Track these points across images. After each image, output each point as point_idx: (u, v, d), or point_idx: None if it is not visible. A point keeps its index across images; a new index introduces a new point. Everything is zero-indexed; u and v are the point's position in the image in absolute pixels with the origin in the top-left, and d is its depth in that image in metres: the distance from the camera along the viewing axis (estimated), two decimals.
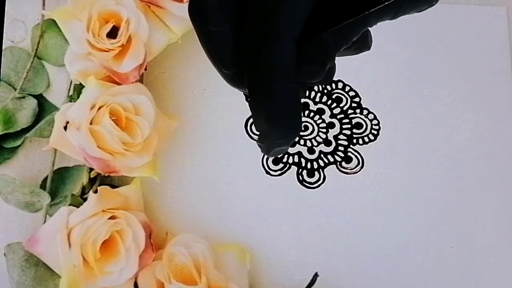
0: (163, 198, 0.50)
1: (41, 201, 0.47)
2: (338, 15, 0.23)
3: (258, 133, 0.26)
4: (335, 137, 0.52)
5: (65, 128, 0.45)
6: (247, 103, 0.24)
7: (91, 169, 0.48)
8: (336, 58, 0.27)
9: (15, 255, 0.46)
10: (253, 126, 0.52)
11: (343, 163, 0.52)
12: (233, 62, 0.25)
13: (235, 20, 0.24)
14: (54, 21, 0.48)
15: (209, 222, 0.50)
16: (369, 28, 0.27)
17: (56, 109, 0.49)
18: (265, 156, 0.51)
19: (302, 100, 0.53)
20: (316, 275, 0.50)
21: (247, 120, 0.52)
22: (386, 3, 0.23)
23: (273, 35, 0.23)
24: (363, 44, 0.27)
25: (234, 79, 0.26)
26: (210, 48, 0.25)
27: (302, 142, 0.52)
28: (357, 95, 0.53)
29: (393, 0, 0.23)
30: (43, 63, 0.51)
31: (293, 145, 0.52)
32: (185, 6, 0.46)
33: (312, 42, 0.24)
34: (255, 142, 0.51)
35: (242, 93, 0.26)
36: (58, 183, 0.49)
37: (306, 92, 0.27)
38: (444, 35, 0.55)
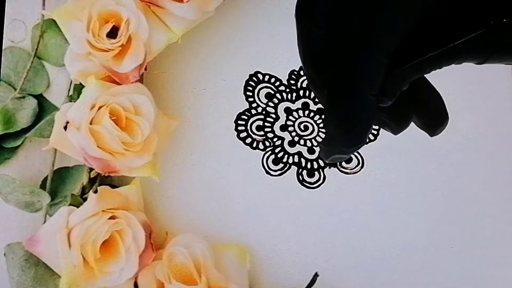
0: (163, 198, 0.50)
1: (41, 201, 0.47)
2: (428, 43, 0.23)
3: (323, 135, 0.26)
4: None
5: (65, 128, 0.45)
6: (321, 105, 0.25)
7: (91, 169, 0.48)
8: None
9: (15, 255, 0.46)
10: (253, 125, 0.52)
11: (343, 163, 0.52)
12: (321, 65, 0.25)
13: (330, 24, 0.24)
14: (54, 21, 0.48)
15: (209, 222, 0.50)
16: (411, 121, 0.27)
17: (56, 109, 0.49)
18: (265, 156, 0.51)
19: (302, 100, 0.53)
20: (316, 275, 0.50)
21: (247, 120, 0.52)
22: (472, 35, 0.22)
23: (368, 44, 0.23)
24: (396, 124, 0.27)
25: (317, 82, 0.26)
26: (305, 47, 0.25)
27: (302, 142, 0.52)
28: None
29: (481, 37, 0.22)
30: (43, 63, 0.51)
31: (293, 145, 0.52)
32: (185, 6, 0.46)
33: (391, 74, 0.23)
34: (256, 142, 0.51)
35: (315, 96, 0.27)
36: (58, 183, 0.49)
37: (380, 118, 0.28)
38: None
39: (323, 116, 0.53)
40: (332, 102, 0.24)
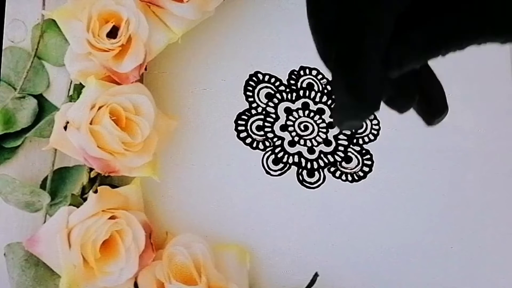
0: (163, 198, 0.50)
1: (41, 201, 0.47)
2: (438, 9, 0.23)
3: (334, 103, 0.25)
4: (335, 137, 0.52)
5: (65, 128, 0.45)
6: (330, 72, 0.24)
7: (91, 169, 0.48)
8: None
9: (15, 255, 0.46)
10: (253, 125, 0.52)
11: (343, 163, 0.52)
12: (332, 33, 0.24)
13: None
14: (54, 21, 0.48)
15: (209, 222, 0.50)
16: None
17: (56, 109, 0.49)
18: (265, 156, 0.51)
19: (302, 100, 0.53)
20: (316, 275, 0.50)
21: (247, 120, 0.52)
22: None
23: (376, 3, 0.22)
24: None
25: (328, 53, 0.25)
26: (316, 15, 0.25)
27: (302, 142, 0.52)
28: None
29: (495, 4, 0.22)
30: (43, 63, 0.51)
31: (293, 145, 0.52)
32: (185, 6, 0.46)
33: (396, 41, 0.23)
34: (256, 142, 0.51)
35: (325, 67, 0.26)
36: (58, 183, 0.49)
37: (389, 90, 0.27)
38: None
39: (323, 117, 0.53)
40: (340, 66, 0.23)
